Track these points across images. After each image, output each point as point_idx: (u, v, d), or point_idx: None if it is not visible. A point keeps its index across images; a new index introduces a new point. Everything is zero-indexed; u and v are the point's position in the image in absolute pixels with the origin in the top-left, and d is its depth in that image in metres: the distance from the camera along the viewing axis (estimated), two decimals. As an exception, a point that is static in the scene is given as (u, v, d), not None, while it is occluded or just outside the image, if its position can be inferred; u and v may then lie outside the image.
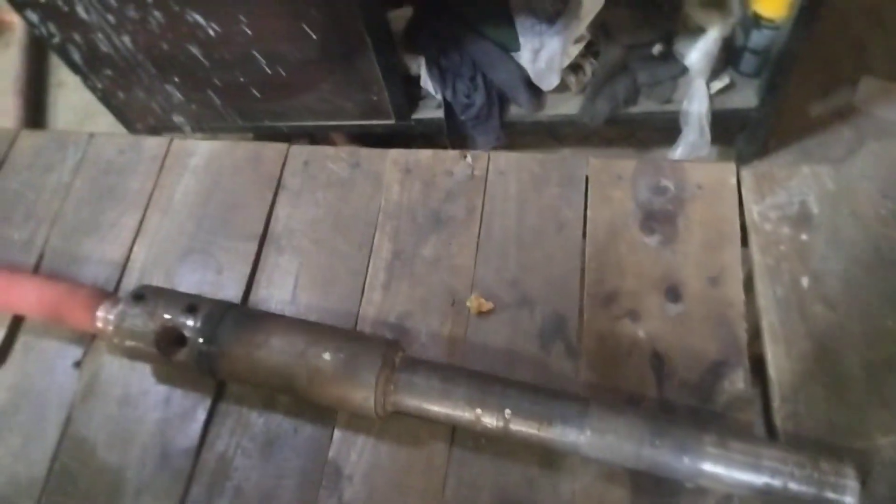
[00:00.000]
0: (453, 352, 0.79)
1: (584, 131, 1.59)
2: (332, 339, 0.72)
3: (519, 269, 0.83)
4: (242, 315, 0.75)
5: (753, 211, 0.81)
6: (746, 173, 0.84)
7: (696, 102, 1.43)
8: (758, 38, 1.37)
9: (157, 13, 1.34)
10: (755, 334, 0.76)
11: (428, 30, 1.46)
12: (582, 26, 1.40)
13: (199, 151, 0.99)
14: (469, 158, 0.91)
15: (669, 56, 1.48)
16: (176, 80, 1.56)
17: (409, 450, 0.75)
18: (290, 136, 1.94)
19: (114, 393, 0.82)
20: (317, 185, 0.93)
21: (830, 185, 0.82)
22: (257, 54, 1.42)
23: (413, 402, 0.70)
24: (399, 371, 0.70)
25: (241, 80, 1.51)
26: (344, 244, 0.88)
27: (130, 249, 0.92)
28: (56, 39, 1.48)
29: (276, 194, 0.93)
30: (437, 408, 0.69)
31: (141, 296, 0.77)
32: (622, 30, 1.45)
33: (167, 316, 0.75)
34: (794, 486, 0.61)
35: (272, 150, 0.97)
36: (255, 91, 1.55)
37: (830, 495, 0.60)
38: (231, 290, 0.87)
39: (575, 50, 1.43)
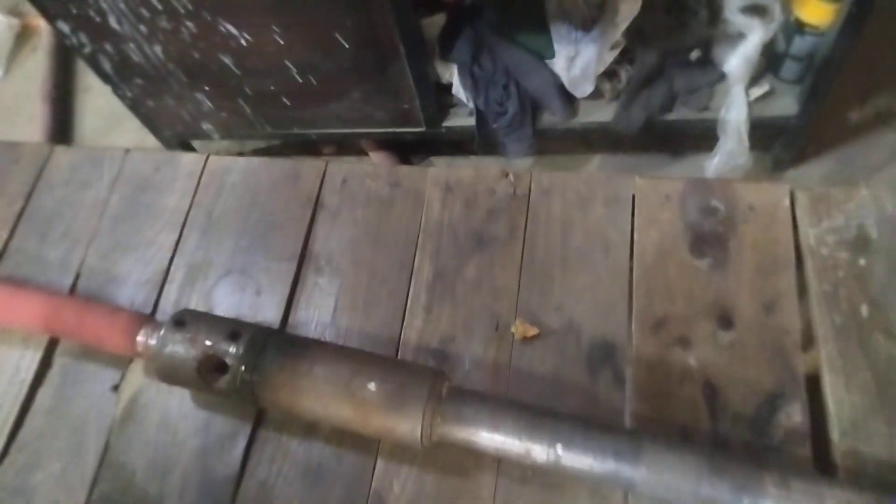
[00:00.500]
0: (498, 379, 0.77)
1: (616, 137, 1.55)
2: (376, 369, 0.71)
3: (564, 293, 0.81)
4: (285, 342, 0.74)
5: (809, 234, 0.79)
6: (801, 195, 0.81)
7: (734, 110, 1.40)
8: (800, 45, 1.33)
9: (189, 23, 1.33)
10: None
11: (461, 38, 1.44)
12: (618, 32, 1.37)
13: (237, 168, 0.98)
14: (511, 177, 0.89)
15: (707, 62, 1.45)
16: (206, 88, 1.55)
17: (454, 480, 0.73)
18: (317, 143, 1.93)
19: (152, 418, 0.81)
20: (356, 204, 0.91)
21: (890, 207, 0.79)
22: (289, 64, 1.41)
23: (461, 434, 0.68)
24: (446, 402, 0.69)
25: (272, 88, 1.50)
26: (384, 265, 0.87)
27: (168, 269, 0.91)
28: (87, 49, 1.48)
29: (314, 213, 0.92)
30: (485, 441, 0.67)
31: (182, 321, 0.76)
32: (659, 35, 1.42)
33: (209, 343, 0.74)
34: (860, 530, 0.58)
35: (310, 168, 0.95)
36: (285, 99, 1.54)
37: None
38: (270, 313, 0.85)
39: (610, 56, 1.40)
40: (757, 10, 1.34)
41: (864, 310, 0.74)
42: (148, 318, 0.80)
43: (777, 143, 1.58)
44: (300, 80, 1.45)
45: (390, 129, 1.60)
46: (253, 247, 0.91)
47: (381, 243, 0.88)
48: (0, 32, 2.43)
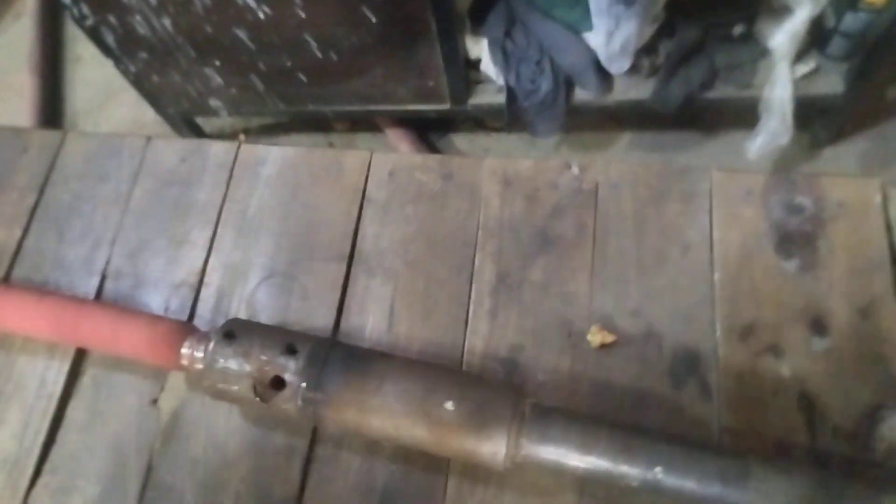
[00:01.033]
0: (575, 391, 0.72)
1: (648, 114, 1.49)
2: (452, 385, 0.65)
3: (642, 297, 0.75)
4: (348, 356, 0.68)
5: (906, 233, 0.73)
6: (895, 191, 0.75)
7: (778, 87, 1.33)
8: (852, 21, 1.26)
9: (203, -5, 1.24)
10: None
11: (494, 11, 1.35)
12: (658, 5, 1.29)
13: (271, 158, 0.90)
14: (575, 169, 0.83)
15: (750, 37, 1.37)
16: (217, 63, 1.46)
17: (535, 501, 0.68)
18: (331, 121, 1.84)
19: (198, 435, 0.75)
20: (406, 199, 0.85)
21: None
22: (309, 38, 1.32)
23: (548, 455, 0.62)
24: (530, 422, 0.63)
25: (288, 64, 1.41)
26: (441, 266, 0.80)
27: (203, 271, 0.84)
28: (89, 21, 1.38)
29: (361, 208, 0.85)
30: (576, 462, 0.62)
31: (231, 333, 0.69)
32: (700, 9, 1.34)
33: (264, 357, 0.67)
34: None
35: (353, 159, 0.88)
36: (301, 76, 1.45)
37: None
38: (320, 319, 0.79)
39: (650, 31, 1.33)
40: (806, -17, 1.27)
41: (969, 315, 0.69)
42: (192, 328, 0.74)
43: (818, 122, 1.52)
44: (320, 56, 1.36)
45: (413, 107, 1.52)
46: (296, 246, 0.84)
47: (436, 242, 0.82)
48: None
